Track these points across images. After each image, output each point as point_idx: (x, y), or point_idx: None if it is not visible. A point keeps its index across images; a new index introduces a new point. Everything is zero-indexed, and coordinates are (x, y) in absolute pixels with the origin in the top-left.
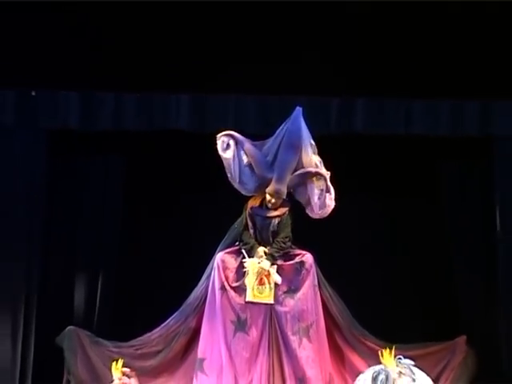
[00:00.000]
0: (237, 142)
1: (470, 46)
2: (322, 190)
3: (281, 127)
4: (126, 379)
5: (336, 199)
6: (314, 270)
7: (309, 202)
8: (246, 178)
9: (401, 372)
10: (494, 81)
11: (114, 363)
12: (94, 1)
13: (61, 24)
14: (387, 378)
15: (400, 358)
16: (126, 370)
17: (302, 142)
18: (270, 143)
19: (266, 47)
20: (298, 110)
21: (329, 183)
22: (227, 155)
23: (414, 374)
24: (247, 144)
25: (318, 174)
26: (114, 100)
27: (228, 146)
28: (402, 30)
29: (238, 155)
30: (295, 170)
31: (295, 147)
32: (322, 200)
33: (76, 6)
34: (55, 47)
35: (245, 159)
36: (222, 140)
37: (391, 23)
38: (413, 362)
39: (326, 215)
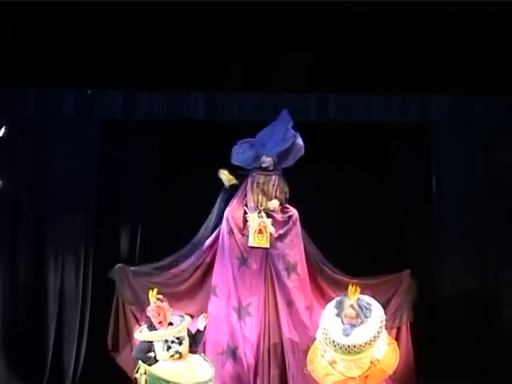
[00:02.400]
0: (252, 145)
1: (411, 54)
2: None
3: (272, 124)
4: (159, 302)
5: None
6: (298, 222)
7: (290, 155)
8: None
9: (352, 305)
10: (432, 81)
11: (151, 291)
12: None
13: (109, 37)
14: (340, 303)
15: (360, 297)
16: (159, 296)
17: (286, 125)
18: (263, 135)
19: (263, 56)
20: (284, 112)
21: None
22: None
23: (362, 311)
24: (255, 141)
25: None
26: (147, 96)
27: (249, 148)
28: (362, 41)
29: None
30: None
31: (280, 131)
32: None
33: (118, 22)
34: (105, 56)
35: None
36: (242, 146)
37: (354, 36)
38: (371, 304)
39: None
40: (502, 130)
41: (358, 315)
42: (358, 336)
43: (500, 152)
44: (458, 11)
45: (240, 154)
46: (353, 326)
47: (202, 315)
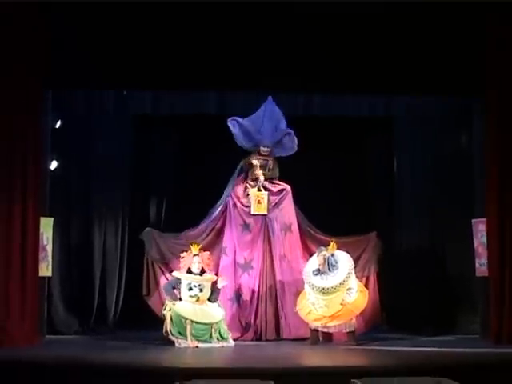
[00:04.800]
0: (238, 122)
1: (378, 62)
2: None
3: (260, 109)
4: (190, 254)
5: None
6: (290, 193)
7: (286, 148)
8: (245, 141)
9: (324, 255)
10: (394, 83)
11: (195, 245)
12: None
13: (141, 49)
14: (320, 251)
15: (335, 253)
16: (205, 252)
17: (278, 115)
18: (255, 118)
19: (262, 62)
20: (270, 98)
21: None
22: (234, 130)
23: (328, 264)
24: (243, 121)
25: (288, 132)
26: (171, 96)
27: (234, 125)
28: (341, 52)
29: (240, 129)
30: (274, 131)
31: (274, 119)
32: (293, 144)
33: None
34: (137, 64)
35: (243, 130)
36: (230, 123)
37: (334, 47)
38: (338, 262)
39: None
40: (448, 123)
41: (323, 264)
42: (330, 281)
43: (445, 141)
44: (416, 27)
45: (237, 137)
46: (326, 273)
47: (222, 277)
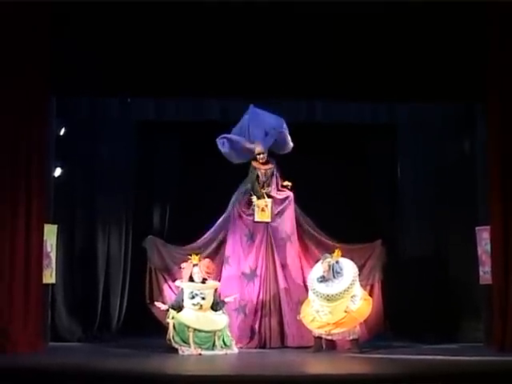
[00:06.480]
0: (227, 138)
1: (381, 70)
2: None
3: (244, 118)
4: (190, 264)
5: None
6: (292, 202)
7: (282, 148)
8: (239, 156)
9: (329, 262)
10: (397, 91)
11: (194, 255)
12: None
13: (144, 59)
14: (325, 258)
15: (340, 260)
16: (205, 260)
17: (263, 118)
18: (241, 129)
19: (264, 70)
20: (251, 106)
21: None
22: (225, 149)
23: (332, 271)
24: (231, 136)
25: (281, 132)
26: (173, 103)
27: (224, 144)
28: (343, 59)
29: (230, 146)
30: (265, 136)
31: (261, 124)
32: (288, 143)
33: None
34: (140, 73)
35: (234, 146)
36: (219, 142)
37: (336, 55)
38: (342, 269)
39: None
40: (449, 130)
41: (328, 271)
42: (335, 288)
43: (448, 146)
44: (418, 33)
45: (228, 155)
46: (330, 280)
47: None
